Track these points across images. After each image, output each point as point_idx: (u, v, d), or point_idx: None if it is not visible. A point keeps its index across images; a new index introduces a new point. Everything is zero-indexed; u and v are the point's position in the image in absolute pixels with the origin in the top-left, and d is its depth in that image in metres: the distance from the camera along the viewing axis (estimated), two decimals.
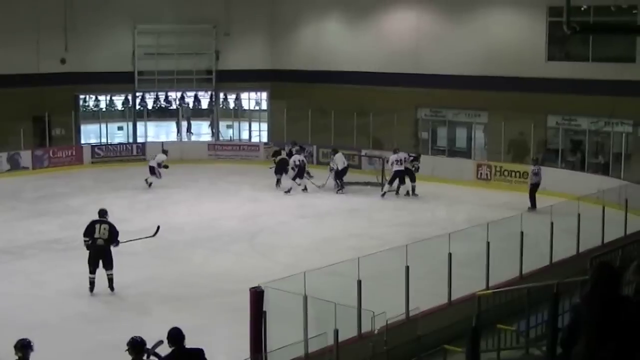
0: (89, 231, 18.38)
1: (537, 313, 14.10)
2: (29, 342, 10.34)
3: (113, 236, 18.47)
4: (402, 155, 30.03)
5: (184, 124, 43.97)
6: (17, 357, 10.26)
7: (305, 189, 30.33)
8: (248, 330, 12.44)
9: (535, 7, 31.66)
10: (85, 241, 18.47)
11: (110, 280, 18.34)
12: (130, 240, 19.66)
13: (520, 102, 31.26)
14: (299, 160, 30.50)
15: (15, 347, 10.31)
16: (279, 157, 31.71)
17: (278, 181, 31.08)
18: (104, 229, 18.33)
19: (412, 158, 30.55)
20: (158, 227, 20.57)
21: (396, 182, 29.83)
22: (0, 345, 11.54)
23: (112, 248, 18.48)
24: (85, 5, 38.29)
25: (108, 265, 18.32)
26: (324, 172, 31.86)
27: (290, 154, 31.49)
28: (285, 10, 40.06)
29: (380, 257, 15.80)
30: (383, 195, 29.85)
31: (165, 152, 32.65)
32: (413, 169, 30.12)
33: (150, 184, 31.39)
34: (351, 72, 36.70)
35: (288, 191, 30.12)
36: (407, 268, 14.33)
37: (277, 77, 39.98)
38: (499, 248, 16.87)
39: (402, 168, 29.78)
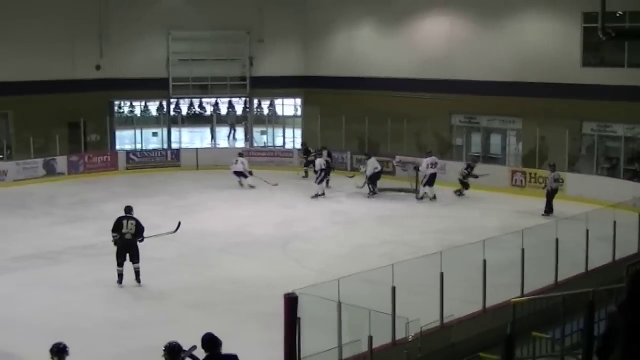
0: (118, 227, 19.29)
1: (572, 321, 13.97)
2: (65, 346, 10.37)
3: (139, 231, 19.37)
4: (434, 159, 30.42)
5: (224, 130, 43.95)
6: None
7: (320, 195, 30.57)
8: (281, 337, 12.41)
9: (570, 13, 31.46)
10: (114, 237, 19.36)
11: (138, 274, 19.23)
12: (154, 236, 20.16)
13: (555, 109, 31.08)
14: (325, 164, 30.81)
15: (52, 351, 10.32)
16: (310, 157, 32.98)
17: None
18: (132, 224, 19.30)
19: (468, 169, 30.71)
20: (179, 223, 21.05)
21: (427, 186, 29.94)
22: (34, 349, 11.62)
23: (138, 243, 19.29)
24: (120, 12, 38.60)
25: (135, 259, 19.25)
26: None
27: (315, 157, 31.80)
28: (318, 17, 40.11)
29: (414, 264, 15.74)
30: (421, 199, 30.05)
31: (241, 155, 33.33)
32: (474, 177, 30.13)
33: (251, 186, 32.17)
34: (385, 78, 36.74)
35: (318, 196, 30.27)
36: (442, 275, 14.26)
37: (310, 84, 40.03)
38: (534, 256, 16.73)
39: (435, 171, 30.10)
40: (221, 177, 34.12)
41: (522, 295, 15.59)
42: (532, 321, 14.50)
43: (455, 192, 30.81)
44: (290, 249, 23.30)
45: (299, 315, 12.25)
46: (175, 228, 21.02)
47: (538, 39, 32.41)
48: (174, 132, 41.24)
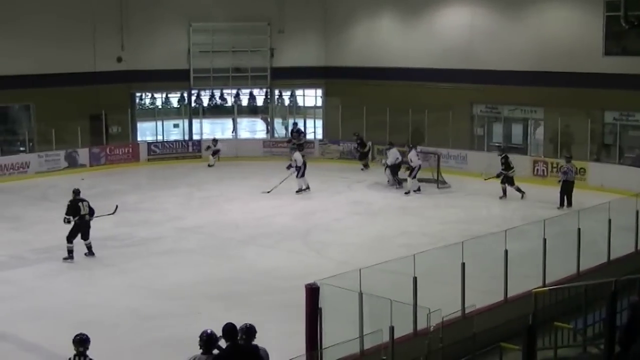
0: (75, 210, 20.73)
1: (594, 311, 13.96)
2: (87, 337, 10.46)
3: (92, 211, 21.14)
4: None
5: (245, 121, 43.96)
6: (75, 352, 10.37)
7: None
8: (302, 327, 12.43)
9: (592, 1, 31.28)
10: (71, 219, 20.73)
11: (90, 248, 21.08)
12: (100, 216, 21.72)
13: (577, 98, 30.92)
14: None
15: (74, 341, 10.43)
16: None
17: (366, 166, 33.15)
18: (86, 205, 20.98)
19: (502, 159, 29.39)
20: (117, 206, 22.88)
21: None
22: (58, 340, 11.69)
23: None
24: (141, 4, 38.67)
25: (87, 236, 20.99)
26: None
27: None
28: (338, 7, 40.04)
29: (435, 254, 15.74)
30: (444, 184, 30.42)
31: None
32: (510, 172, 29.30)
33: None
34: (405, 68, 36.62)
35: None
36: (463, 265, 14.23)
37: (331, 74, 39.96)
38: (555, 245, 16.65)
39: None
40: (241, 168, 34.20)
41: (544, 285, 15.53)
42: (553, 311, 14.47)
43: (516, 190, 29.12)
44: (311, 240, 23.32)
45: (320, 306, 12.26)
46: (113, 210, 22.53)
47: (560, 27, 32.23)
48: (195, 123, 41.30)
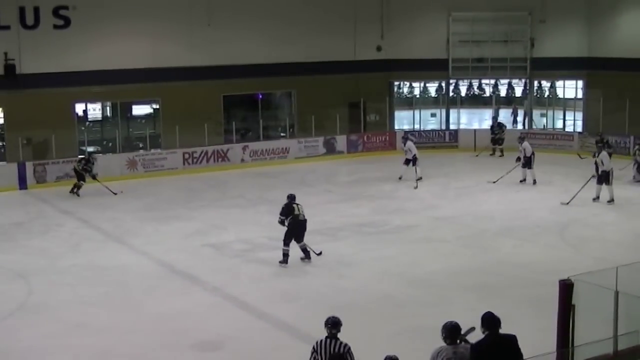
0: (290, 211, 19.80)
1: None
2: (339, 320, 10.70)
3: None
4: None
5: (503, 112, 43.52)
6: (327, 334, 10.64)
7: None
8: (554, 323, 12.24)
9: None
10: (285, 220, 19.85)
11: (306, 250, 19.99)
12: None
13: None
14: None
15: (326, 323, 10.67)
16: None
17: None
18: (301, 207, 20.04)
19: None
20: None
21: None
22: (311, 321, 12.08)
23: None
24: None
25: (301, 238, 19.93)
26: None
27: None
28: None
29: None
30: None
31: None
32: None
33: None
34: None
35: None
36: None
37: (593, 65, 38.73)
38: None
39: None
40: (497, 158, 33.99)
41: None
42: None
43: None
44: (568, 235, 22.78)
45: (573, 302, 12.03)
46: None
47: None
48: (452, 113, 41.34)
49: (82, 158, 29.86)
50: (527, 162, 29.50)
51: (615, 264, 12.05)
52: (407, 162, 30.55)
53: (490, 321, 9.90)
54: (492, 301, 15.85)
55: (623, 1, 37.96)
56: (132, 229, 23.98)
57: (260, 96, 38.13)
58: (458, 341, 10.05)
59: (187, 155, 33.62)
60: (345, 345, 10.46)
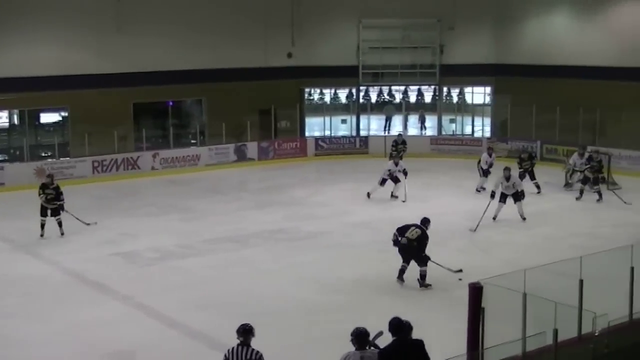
0: (403, 230, 18.59)
1: None
2: (251, 327, 10.65)
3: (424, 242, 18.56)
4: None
5: (413, 118, 43.72)
6: (239, 341, 10.59)
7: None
8: (464, 326, 12.38)
9: None
10: (397, 236, 18.65)
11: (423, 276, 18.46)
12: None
13: None
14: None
15: (238, 331, 10.62)
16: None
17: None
18: (416, 232, 18.49)
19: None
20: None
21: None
22: (224, 330, 12.02)
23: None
24: (312, 0, 39.15)
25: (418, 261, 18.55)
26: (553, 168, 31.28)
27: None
28: (510, 4, 39.48)
29: (604, 257, 15.32)
30: (614, 185, 29.27)
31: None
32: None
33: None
34: (578, 66, 35.62)
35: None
36: (632, 269, 13.83)
37: (501, 72, 39.45)
38: None
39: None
40: (410, 165, 34.20)
41: None
42: None
43: None
44: (478, 239, 23.09)
45: (483, 305, 12.18)
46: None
47: None
48: (363, 119, 41.59)
49: None
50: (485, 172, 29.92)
51: (522, 267, 12.22)
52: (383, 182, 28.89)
53: (397, 326, 10.00)
54: (404, 305, 15.98)
55: (529, 10, 38.68)
56: (42, 239, 23.52)
57: (171, 103, 37.81)
58: (367, 347, 10.13)
59: (96, 164, 33.11)
60: (257, 352, 10.43)
